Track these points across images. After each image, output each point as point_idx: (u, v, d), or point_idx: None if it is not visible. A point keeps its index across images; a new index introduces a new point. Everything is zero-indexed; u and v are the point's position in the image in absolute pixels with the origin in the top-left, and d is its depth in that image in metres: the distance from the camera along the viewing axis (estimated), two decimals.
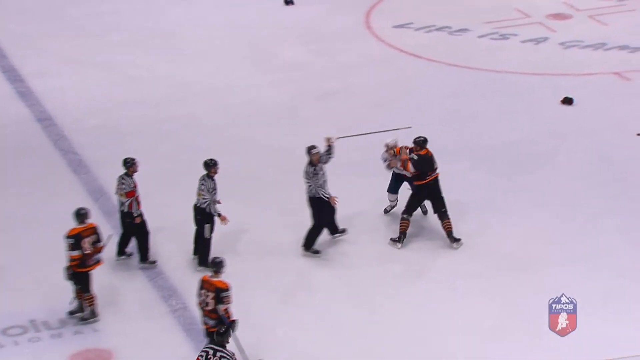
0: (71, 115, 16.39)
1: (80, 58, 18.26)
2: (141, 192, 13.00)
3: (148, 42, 18.85)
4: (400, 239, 13.16)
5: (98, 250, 11.70)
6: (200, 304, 10.98)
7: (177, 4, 20.45)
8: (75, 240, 11.57)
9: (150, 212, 12.93)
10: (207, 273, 11.05)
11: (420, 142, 13.16)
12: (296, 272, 12.84)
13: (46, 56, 18.34)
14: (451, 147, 15.48)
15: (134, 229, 12.62)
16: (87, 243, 11.61)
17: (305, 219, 13.13)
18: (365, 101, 17.02)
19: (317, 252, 12.93)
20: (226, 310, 10.84)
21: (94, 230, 11.72)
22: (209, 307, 10.91)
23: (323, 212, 12.82)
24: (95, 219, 12.19)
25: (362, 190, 14.29)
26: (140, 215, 12.59)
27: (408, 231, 13.19)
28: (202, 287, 10.97)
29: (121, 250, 12.82)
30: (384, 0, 20.74)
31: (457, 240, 13.13)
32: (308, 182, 12.71)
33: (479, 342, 11.56)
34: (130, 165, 12.61)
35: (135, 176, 12.66)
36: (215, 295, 10.83)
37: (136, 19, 19.70)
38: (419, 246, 13.28)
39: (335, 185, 14.38)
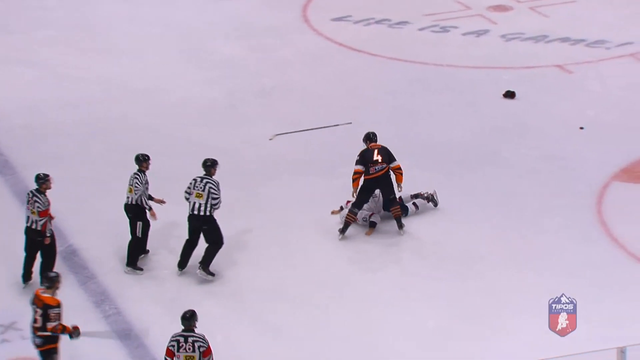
0: None
1: (6, 56, 18.07)
2: (72, 195, 12.93)
3: (77, 39, 18.68)
4: (343, 230, 13.19)
5: None
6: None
7: None
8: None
9: (83, 215, 12.81)
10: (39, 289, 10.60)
11: (364, 138, 13.13)
12: (232, 273, 12.76)
13: None
14: (393, 145, 15.36)
15: (42, 249, 12.19)
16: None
17: (243, 221, 13.11)
18: (304, 98, 17.04)
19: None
20: (54, 329, 10.39)
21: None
22: (37, 324, 10.42)
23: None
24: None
25: (302, 189, 14.31)
26: (52, 235, 12.20)
27: (354, 229, 13.24)
28: (32, 302, 10.51)
29: (28, 274, 12.27)
30: None
31: (402, 226, 13.25)
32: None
33: (423, 344, 11.61)
34: (43, 181, 12.06)
35: (63, 180, 12.48)
36: (42, 312, 10.35)
37: (64, 14, 19.49)
38: (365, 247, 13.33)
39: (275, 183, 14.48)
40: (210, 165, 12.47)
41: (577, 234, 13.45)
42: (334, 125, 15.32)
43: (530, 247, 13.22)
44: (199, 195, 12.37)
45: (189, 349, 10.13)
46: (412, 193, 13.89)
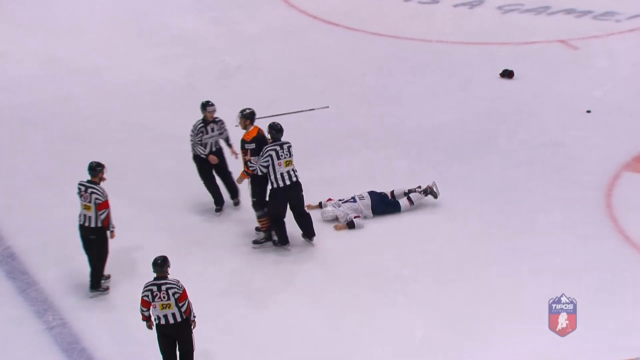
0: None
1: None
2: (8, 190, 12.98)
3: (12, 13, 18.77)
4: (263, 239, 13.33)
5: None
6: None
7: None
8: None
9: (21, 213, 12.91)
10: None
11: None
12: (190, 265, 12.89)
13: None
14: (375, 131, 15.71)
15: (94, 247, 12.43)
16: None
17: (204, 212, 13.33)
18: (274, 78, 17.20)
19: None
20: None
21: None
22: None
23: None
24: None
25: None
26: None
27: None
28: None
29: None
30: None
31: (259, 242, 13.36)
32: None
33: (408, 351, 11.73)
34: (99, 171, 12.24)
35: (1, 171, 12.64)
36: None
37: None
38: (345, 247, 13.45)
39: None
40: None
41: (583, 230, 13.59)
42: (309, 110, 15.42)
43: (528, 246, 13.34)
44: (288, 163, 12.90)
45: (164, 297, 10.83)
46: (407, 188, 14.05)
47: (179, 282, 10.86)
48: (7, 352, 11.76)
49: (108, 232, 12.25)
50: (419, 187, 14.10)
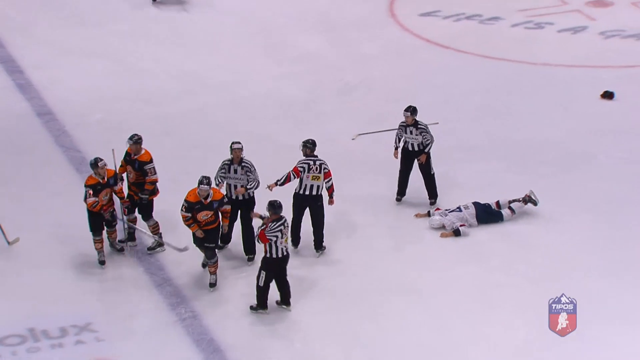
0: (73, 109, 16.58)
1: (82, 49, 18.45)
2: None
3: (153, 32, 19.06)
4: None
5: None
6: None
7: None
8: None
9: (156, 216, 13.13)
10: None
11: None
12: (310, 275, 13.01)
13: (46, 47, 18.53)
14: (482, 145, 15.65)
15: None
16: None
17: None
18: (387, 95, 17.20)
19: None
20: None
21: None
22: None
23: None
24: None
25: (384, 188, 14.48)
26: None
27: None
28: None
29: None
30: None
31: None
32: None
33: (505, 358, 11.67)
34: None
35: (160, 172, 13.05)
36: None
37: (139, 7, 19.86)
38: (445, 252, 13.41)
39: (357, 185, 14.64)
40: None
41: None
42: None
43: (628, 256, 13.20)
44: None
45: (316, 169, 12.84)
46: (512, 199, 13.99)
47: (326, 162, 12.78)
48: (144, 341, 11.97)
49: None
50: (518, 198, 14.02)
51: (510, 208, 13.96)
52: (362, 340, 11.92)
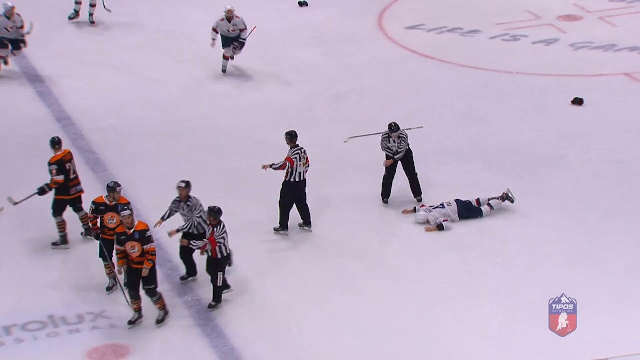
0: (88, 115, 16.60)
1: (97, 60, 18.46)
2: (152, 192, 13.19)
3: (163, 45, 19.00)
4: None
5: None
6: None
7: (192, 6, 20.57)
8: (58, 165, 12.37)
9: (160, 213, 13.13)
10: None
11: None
12: (307, 267, 13.06)
13: (64, 58, 18.55)
14: (462, 148, 15.66)
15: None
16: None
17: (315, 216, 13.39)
18: (377, 102, 17.20)
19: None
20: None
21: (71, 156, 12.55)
22: None
23: None
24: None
25: (373, 188, 14.45)
26: None
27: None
28: None
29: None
30: (397, 2, 20.89)
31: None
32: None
33: (486, 344, 11.65)
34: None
35: (149, 176, 13.23)
36: None
37: (151, 21, 19.83)
38: (429, 247, 13.46)
39: (348, 185, 14.67)
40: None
41: (638, 236, 13.43)
42: (407, 129, 15.39)
43: (593, 249, 13.21)
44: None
45: (304, 157, 13.07)
46: (490, 196, 14.05)
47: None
48: (154, 327, 12.00)
49: None
50: (496, 196, 14.08)
51: (489, 204, 14.02)
52: (353, 323, 11.97)
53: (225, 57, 17.86)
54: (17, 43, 17.53)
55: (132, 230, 11.55)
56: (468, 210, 13.91)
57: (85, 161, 15.17)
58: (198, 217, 12.24)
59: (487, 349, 11.55)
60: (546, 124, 16.40)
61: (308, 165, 13.44)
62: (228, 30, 17.61)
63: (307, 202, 13.56)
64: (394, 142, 13.95)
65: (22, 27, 17.49)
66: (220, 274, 12.04)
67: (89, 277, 12.73)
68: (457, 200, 13.96)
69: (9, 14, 17.34)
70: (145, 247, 11.53)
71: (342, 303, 12.31)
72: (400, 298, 12.41)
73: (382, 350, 11.56)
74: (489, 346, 11.60)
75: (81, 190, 13.19)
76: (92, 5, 19.53)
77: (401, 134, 13.99)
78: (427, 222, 13.83)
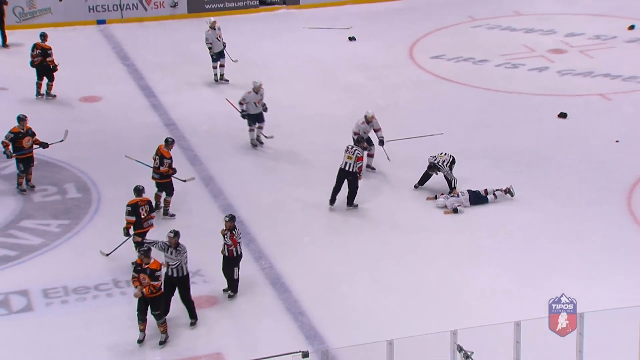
0: (189, 122, 16.60)
1: (195, 81, 18.35)
2: (242, 180, 13.08)
3: (245, 71, 18.68)
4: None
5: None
6: None
7: (270, 39, 20.44)
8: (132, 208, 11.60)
9: (247, 193, 13.06)
10: None
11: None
12: (354, 242, 12.86)
13: (171, 79, 18.46)
14: (475, 149, 15.50)
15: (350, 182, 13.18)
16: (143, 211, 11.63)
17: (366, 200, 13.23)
18: (408, 114, 17.02)
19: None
20: None
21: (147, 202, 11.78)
22: None
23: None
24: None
25: (407, 182, 14.32)
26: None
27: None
28: None
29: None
30: (424, 38, 20.69)
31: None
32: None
33: (491, 301, 11.50)
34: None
35: (240, 167, 13.01)
36: None
37: (236, 51, 19.52)
38: (447, 226, 13.23)
39: (387, 178, 14.45)
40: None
41: (615, 220, 13.24)
42: (430, 135, 15.19)
43: (577, 228, 13.07)
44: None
45: (351, 153, 13.14)
46: (495, 188, 13.81)
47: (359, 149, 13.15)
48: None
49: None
50: (501, 188, 13.83)
51: (494, 194, 13.79)
52: (384, 286, 11.87)
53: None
54: (259, 116, 15.29)
55: (146, 266, 10.55)
56: (477, 198, 13.64)
57: (186, 157, 15.16)
58: (185, 261, 10.88)
59: (492, 305, 11.40)
60: (539, 132, 16.18)
61: (355, 159, 13.29)
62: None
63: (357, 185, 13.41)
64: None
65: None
66: (236, 269, 11.45)
67: None
68: (468, 190, 13.69)
69: (257, 89, 15.20)
70: (152, 283, 10.54)
71: (373, 268, 12.19)
72: (425, 265, 12.31)
73: (409, 306, 11.45)
74: (494, 303, 11.46)
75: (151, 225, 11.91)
76: (222, 66, 17.99)
77: (437, 163, 13.69)
78: (445, 207, 13.57)
